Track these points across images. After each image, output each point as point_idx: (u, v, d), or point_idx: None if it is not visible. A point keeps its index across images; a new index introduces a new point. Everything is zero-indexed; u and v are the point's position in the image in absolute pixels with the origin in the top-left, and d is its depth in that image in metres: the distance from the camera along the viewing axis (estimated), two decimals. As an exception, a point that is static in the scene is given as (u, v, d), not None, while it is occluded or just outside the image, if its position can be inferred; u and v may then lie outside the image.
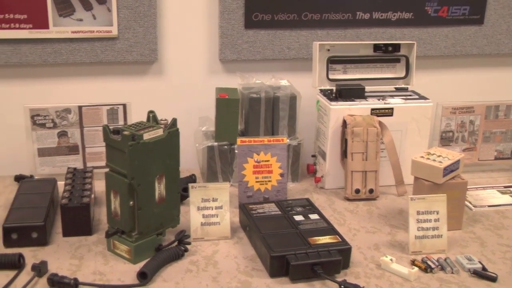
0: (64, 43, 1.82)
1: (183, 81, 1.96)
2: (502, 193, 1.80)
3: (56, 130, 1.78)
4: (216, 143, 1.78)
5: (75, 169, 1.69)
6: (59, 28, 1.80)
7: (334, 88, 1.83)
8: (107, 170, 1.39)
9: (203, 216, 1.48)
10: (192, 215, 1.47)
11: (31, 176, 1.79)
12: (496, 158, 1.95)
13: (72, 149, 1.80)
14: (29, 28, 1.79)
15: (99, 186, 1.72)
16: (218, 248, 1.45)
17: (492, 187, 1.84)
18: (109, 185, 1.38)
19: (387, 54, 1.88)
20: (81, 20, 1.80)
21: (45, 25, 1.79)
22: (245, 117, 1.82)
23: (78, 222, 1.48)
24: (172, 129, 1.39)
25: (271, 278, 1.33)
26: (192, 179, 1.79)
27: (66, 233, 1.49)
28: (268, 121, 1.80)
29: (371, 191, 1.73)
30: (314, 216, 1.51)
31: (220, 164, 1.79)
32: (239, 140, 1.63)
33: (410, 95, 1.84)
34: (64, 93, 1.90)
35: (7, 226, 1.42)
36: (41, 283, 1.28)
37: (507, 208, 1.71)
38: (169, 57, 1.93)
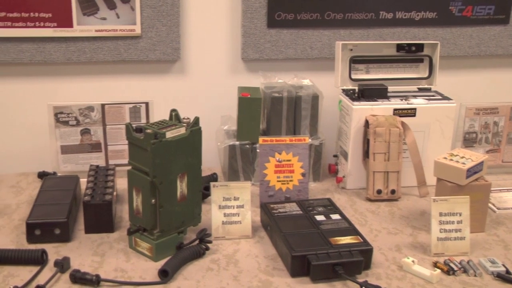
0: (87, 42, 1.84)
1: (206, 79, 1.96)
2: (526, 195, 1.78)
3: (79, 128, 1.79)
4: (237, 142, 1.78)
5: (97, 166, 1.70)
6: (83, 27, 1.81)
7: (356, 88, 1.82)
8: (129, 168, 1.40)
9: (225, 215, 1.48)
10: (214, 213, 1.48)
11: (54, 173, 1.81)
12: (520, 160, 1.93)
13: (95, 147, 1.82)
14: (54, 27, 1.80)
15: (121, 183, 1.73)
16: (239, 247, 1.45)
17: (516, 189, 1.83)
18: (131, 183, 1.39)
19: (410, 54, 1.86)
20: (104, 19, 1.82)
21: (69, 24, 1.80)
22: (267, 116, 1.82)
23: (100, 219, 1.49)
24: (195, 128, 1.39)
25: (292, 278, 1.32)
26: (213, 177, 1.79)
27: (88, 230, 1.50)
28: (290, 121, 1.80)
29: (393, 191, 1.72)
30: (335, 216, 1.51)
31: (242, 163, 1.79)
32: (261, 139, 1.63)
33: (433, 96, 1.83)
34: (87, 91, 1.91)
35: (30, 222, 1.43)
36: (63, 279, 1.29)
37: (531, 210, 1.69)
38: (192, 56, 1.94)
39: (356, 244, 1.37)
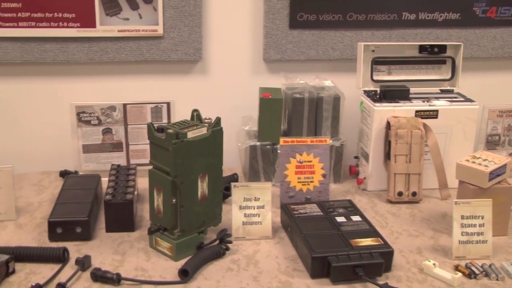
0: (110, 42, 1.85)
1: (227, 80, 1.97)
2: (550, 199, 1.76)
3: (100, 127, 1.81)
4: (258, 143, 1.78)
5: (119, 165, 1.71)
6: (105, 27, 1.83)
7: (378, 89, 1.81)
8: (150, 167, 1.40)
9: (245, 215, 1.48)
10: (234, 214, 1.48)
11: (76, 172, 1.82)
12: (544, 163, 1.90)
13: (116, 146, 1.83)
14: (77, 27, 1.82)
15: (142, 183, 1.73)
16: (259, 248, 1.45)
17: (539, 192, 1.80)
18: (152, 183, 1.39)
19: (432, 55, 1.85)
20: (127, 19, 1.83)
21: (92, 24, 1.82)
22: (288, 117, 1.82)
23: (121, 218, 1.50)
24: (216, 128, 1.40)
25: (312, 279, 1.32)
26: (234, 178, 1.80)
27: (109, 229, 1.51)
28: (311, 122, 1.79)
29: (414, 194, 1.71)
30: (356, 218, 1.50)
31: (262, 163, 1.79)
32: (282, 140, 1.62)
33: (455, 97, 1.81)
34: (109, 91, 1.92)
35: (52, 220, 1.44)
36: (84, 277, 1.30)
37: (555, 214, 1.67)
38: (213, 56, 1.94)
39: (376, 246, 1.36)
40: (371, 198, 1.75)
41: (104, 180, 1.68)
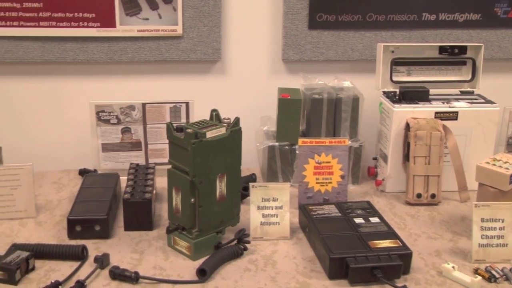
0: (130, 42, 1.86)
1: (246, 80, 1.97)
2: None
3: (120, 126, 1.82)
4: (277, 143, 1.78)
5: (137, 165, 1.72)
6: (125, 27, 1.84)
7: (397, 90, 1.80)
8: (169, 166, 1.41)
9: (263, 215, 1.48)
10: (252, 214, 1.48)
11: (95, 171, 1.84)
12: None
13: (135, 145, 1.84)
14: (97, 27, 1.83)
15: (160, 182, 1.74)
16: (277, 248, 1.45)
17: (560, 196, 1.78)
18: (171, 182, 1.40)
19: (453, 56, 1.84)
20: (147, 19, 1.83)
21: (112, 24, 1.83)
22: (306, 117, 1.82)
23: (140, 217, 1.50)
24: (235, 128, 1.40)
25: (329, 280, 1.32)
26: (252, 178, 1.80)
27: (127, 227, 1.51)
28: (329, 122, 1.79)
29: (433, 196, 1.70)
30: (374, 220, 1.49)
31: (281, 164, 1.79)
32: (300, 140, 1.62)
33: (475, 99, 1.80)
34: (128, 90, 1.93)
35: (71, 218, 1.45)
36: (103, 275, 1.31)
37: None
38: (232, 56, 1.94)
39: (395, 248, 1.35)
40: (389, 199, 1.74)
41: (123, 179, 1.69)
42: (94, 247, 1.43)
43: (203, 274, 1.30)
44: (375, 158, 1.85)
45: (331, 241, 1.36)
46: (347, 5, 1.88)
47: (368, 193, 1.79)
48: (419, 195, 1.69)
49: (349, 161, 1.79)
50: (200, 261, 1.35)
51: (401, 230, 1.55)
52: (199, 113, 1.72)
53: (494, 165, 1.50)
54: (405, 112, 1.71)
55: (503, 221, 1.40)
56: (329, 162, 1.63)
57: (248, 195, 1.56)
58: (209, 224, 1.39)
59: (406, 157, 1.72)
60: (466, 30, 1.96)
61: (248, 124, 1.72)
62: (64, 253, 1.36)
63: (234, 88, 1.97)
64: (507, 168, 1.48)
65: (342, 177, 1.64)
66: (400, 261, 1.31)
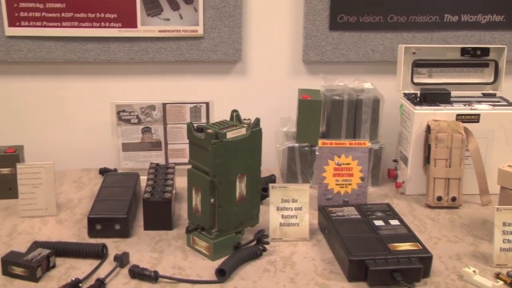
0: (151, 42, 1.87)
1: (266, 81, 1.97)
2: None
3: (140, 126, 1.82)
4: (297, 144, 1.78)
5: (157, 164, 1.72)
6: (146, 27, 1.85)
7: (418, 92, 1.79)
8: (189, 167, 1.41)
9: (282, 216, 1.48)
10: (272, 215, 1.48)
11: (115, 170, 1.85)
12: None
13: (155, 145, 1.84)
14: (118, 27, 1.84)
15: (180, 182, 1.75)
16: (296, 249, 1.44)
17: None
18: (191, 182, 1.40)
19: (475, 58, 1.82)
20: (168, 19, 1.84)
21: (133, 24, 1.84)
22: (327, 119, 1.81)
23: (159, 217, 1.51)
24: (255, 129, 1.40)
25: (349, 282, 1.31)
26: (271, 179, 1.80)
27: (147, 227, 1.52)
28: (350, 124, 1.78)
29: (453, 199, 1.68)
30: (394, 222, 1.48)
31: (300, 165, 1.79)
32: (320, 141, 1.62)
33: (498, 101, 1.78)
34: (149, 90, 1.94)
35: (92, 217, 1.46)
36: (122, 273, 1.32)
37: None
38: (253, 57, 1.94)
39: (415, 251, 1.35)
40: (409, 202, 1.73)
41: (143, 179, 1.69)
42: (114, 245, 1.44)
43: (222, 274, 1.30)
44: (395, 160, 1.84)
45: (350, 243, 1.36)
46: (368, 6, 1.88)
47: (388, 195, 1.78)
48: (439, 198, 1.68)
49: (369, 163, 1.78)
50: (219, 261, 1.35)
51: (421, 233, 1.54)
52: (219, 114, 1.73)
53: (516, 168, 1.49)
54: (426, 114, 1.70)
55: (525, 225, 1.39)
56: (349, 164, 1.63)
57: (267, 196, 1.56)
58: (229, 225, 1.39)
59: (426, 160, 1.71)
60: (489, 32, 1.94)
61: (268, 125, 1.72)
62: (84, 251, 1.37)
63: (254, 89, 1.97)
64: (529, 172, 1.46)
65: (362, 179, 1.64)
66: (420, 264, 1.30)
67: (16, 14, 1.80)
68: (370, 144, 1.75)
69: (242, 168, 1.39)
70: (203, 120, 1.82)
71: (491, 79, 1.84)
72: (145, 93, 1.94)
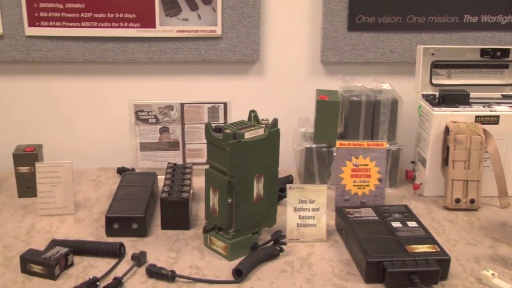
0: (169, 42, 1.87)
1: (284, 81, 1.97)
2: None
3: (158, 126, 1.83)
4: (314, 145, 1.77)
5: (175, 164, 1.73)
6: (165, 28, 1.85)
7: (437, 93, 1.78)
8: (206, 166, 1.41)
9: (300, 217, 1.47)
10: (289, 215, 1.48)
11: (133, 169, 1.85)
12: None
13: (173, 145, 1.85)
14: (137, 27, 1.85)
15: (197, 182, 1.75)
16: (313, 250, 1.44)
17: None
18: (208, 182, 1.40)
19: (495, 59, 1.81)
20: (186, 19, 1.85)
21: (152, 24, 1.85)
22: (344, 120, 1.81)
23: (177, 216, 1.51)
24: (273, 129, 1.40)
25: (366, 284, 1.31)
26: (289, 179, 1.79)
27: (164, 226, 1.52)
28: (368, 125, 1.78)
29: (472, 201, 1.67)
30: (412, 224, 1.47)
31: (318, 166, 1.78)
32: (338, 142, 1.61)
33: (518, 103, 1.77)
34: (167, 90, 1.95)
35: (109, 216, 1.47)
36: (140, 272, 1.32)
37: None
38: (271, 57, 1.94)
39: (433, 253, 1.34)
40: (427, 204, 1.72)
41: (160, 178, 1.70)
42: (131, 244, 1.44)
43: (239, 274, 1.30)
44: (413, 162, 1.83)
45: (368, 245, 1.35)
46: (387, 6, 1.87)
47: (406, 197, 1.77)
48: (458, 200, 1.67)
49: (387, 164, 1.77)
50: (236, 262, 1.35)
51: (439, 235, 1.53)
52: (237, 114, 1.73)
53: (536, 170, 1.48)
54: (444, 115, 1.69)
55: (545, 228, 1.37)
56: (366, 165, 1.62)
57: (284, 196, 1.56)
58: (246, 225, 1.40)
59: (445, 161, 1.70)
60: (509, 33, 1.92)
61: (285, 125, 1.72)
62: (102, 250, 1.38)
63: (272, 89, 1.97)
64: (550, 174, 1.45)
65: (380, 180, 1.63)
66: (438, 267, 1.29)
67: (36, 14, 1.81)
68: (388, 145, 1.75)
69: (260, 168, 1.39)
70: (221, 120, 1.82)
71: (510, 81, 1.83)
72: (163, 93, 1.94)
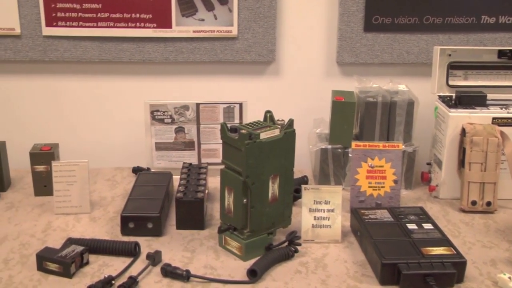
0: (185, 42, 1.88)
1: (300, 82, 1.97)
2: None
3: (173, 126, 1.84)
4: (330, 146, 1.77)
5: (190, 164, 1.73)
6: (181, 28, 1.86)
7: (453, 94, 1.77)
8: (221, 167, 1.41)
9: (315, 218, 1.47)
10: (304, 216, 1.47)
11: (148, 169, 1.86)
12: None
13: (188, 145, 1.85)
14: (153, 27, 1.85)
15: (213, 182, 1.76)
16: (328, 251, 1.44)
17: None
18: (224, 182, 1.41)
19: (512, 60, 1.80)
20: (202, 20, 1.85)
21: (168, 25, 1.85)
22: (360, 121, 1.80)
23: (192, 216, 1.52)
24: (289, 130, 1.39)
25: (381, 286, 1.30)
26: (304, 180, 1.79)
27: (179, 226, 1.53)
28: (383, 126, 1.77)
29: (488, 203, 1.66)
30: (427, 226, 1.47)
31: (333, 167, 1.78)
32: (353, 143, 1.61)
33: (535, 105, 1.76)
34: (183, 90, 1.95)
35: (125, 215, 1.48)
36: (154, 271, 1.33)
37: None
38: (287, 58, 1.94)
39: (448, 255, 1.33)
40: (443, 206, 1.71)
41: (176, 178, 1.71)
42: (146, 244, 1.45)
43: (254, 275, 1.30)
44: (429, 163, 1.82)
45: (383, 246, 1.35)
46: (403, 7, 1.86)
47: (421, 198, 1.76)
48: (474, 203, 1.66)
49: (403, 166, 1.76)
50: (251, 262, 1.35)
51: (455, 237, 1.52)
52: (253, 114, 1.73)
53: (554, 173, 1.46)
54: (461, 117, 1.68)
55: (562, 232, 1.36)
56: (382, 166, 1.61)
57: (300, 197, 1.55)
58: (261, 225, 1.40)
59: (461, 163, 1.68)
60: (527, 34, 1.91)
61: (301, 126, 1.71)
62: (117, 249, 1.39)
63: (287, 90, 1.97)
64: None
65: (395, 181, 1.62)
66: (454, 269, 1.29)
67: (53, 14, 1.83)
68: (403, 146, 1.74)
69: (275, 169, 1.39)
70: (236, 121, 1.82)
71: (528, 82, 1.82)
72: (179, 93, 1.95)
